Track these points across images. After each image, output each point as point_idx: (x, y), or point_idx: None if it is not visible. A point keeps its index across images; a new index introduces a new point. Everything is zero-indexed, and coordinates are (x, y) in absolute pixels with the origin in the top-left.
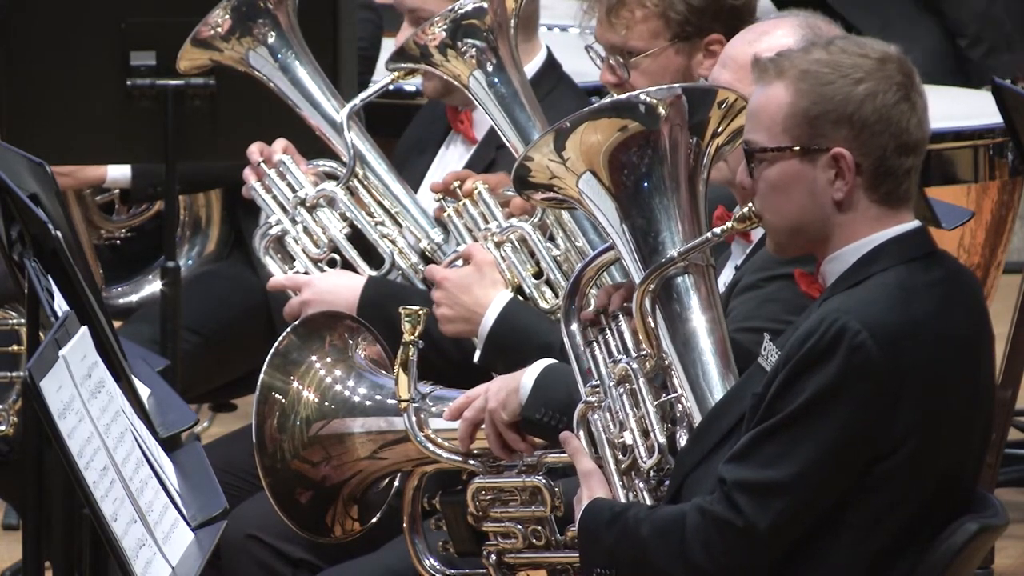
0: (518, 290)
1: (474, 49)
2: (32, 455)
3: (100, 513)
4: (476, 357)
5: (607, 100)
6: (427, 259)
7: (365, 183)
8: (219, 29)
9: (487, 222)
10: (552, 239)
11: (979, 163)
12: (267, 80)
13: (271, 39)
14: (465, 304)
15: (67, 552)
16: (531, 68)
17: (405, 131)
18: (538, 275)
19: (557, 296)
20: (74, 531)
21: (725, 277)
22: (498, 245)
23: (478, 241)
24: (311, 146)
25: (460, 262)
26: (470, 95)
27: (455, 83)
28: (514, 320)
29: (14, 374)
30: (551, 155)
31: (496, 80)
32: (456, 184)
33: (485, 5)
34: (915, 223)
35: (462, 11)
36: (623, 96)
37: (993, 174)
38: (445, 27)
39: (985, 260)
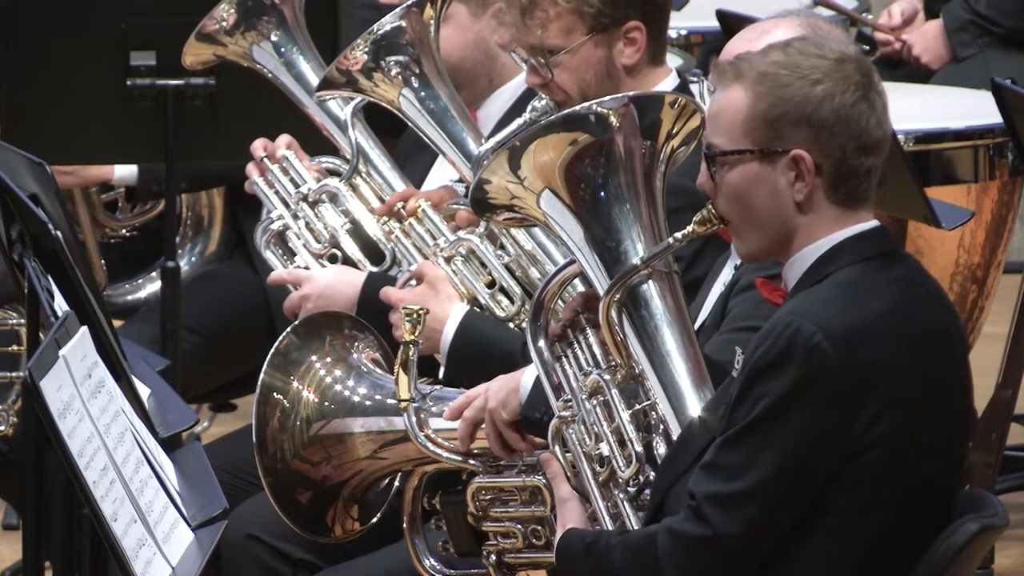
0: (473, 302)
1: (398, 67)
2: (32, 455)
3: (100, 513)
4: (440, 374)
5: (556, 115)
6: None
7: (368, 180)
8: (224, 23)
9: (435, 239)
10: (502, 247)
11: (979, 163)
12: (271, 75)
13: (276, 35)
14: None
15: (67, 552)
16: None
17: (407, 128)
18: (491, 284)
19: (513, 303)
20: (74, 531)
21: (725, 277)
22: (448, 260)
23: (428, 259)
24: (312, 145)
25: (414, 282)
26: (403, 117)
27: (389, 108)
28: (473, 332)
29: (14, 374)
30: (508, 176)
31: (424, 95)
32: (400, 205)
33: (403, 24)
34: (874, 223)
35: (380, 31)
36: (571, 109)
37: (993, 174)
38: (366, 49)
39: (985, 260)
